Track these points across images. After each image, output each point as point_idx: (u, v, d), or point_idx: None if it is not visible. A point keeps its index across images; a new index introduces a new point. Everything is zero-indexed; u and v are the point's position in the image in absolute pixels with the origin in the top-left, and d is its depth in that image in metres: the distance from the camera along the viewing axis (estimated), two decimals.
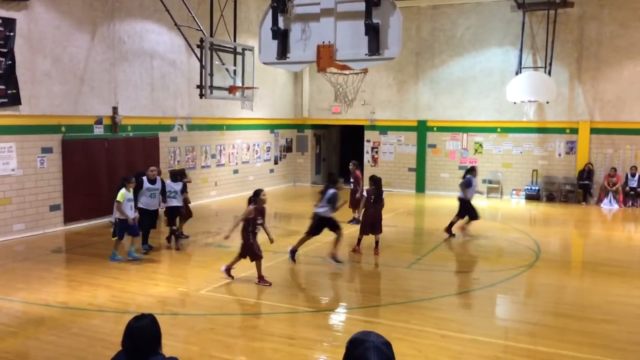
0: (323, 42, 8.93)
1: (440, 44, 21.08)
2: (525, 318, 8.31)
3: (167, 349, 3.65)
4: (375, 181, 11.72)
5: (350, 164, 15.15)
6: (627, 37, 18.60)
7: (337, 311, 8.52)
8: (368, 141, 22.61)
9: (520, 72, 18.94)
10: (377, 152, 22.47)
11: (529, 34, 19.45)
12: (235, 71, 15.19)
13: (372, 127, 22.42)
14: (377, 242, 11.69)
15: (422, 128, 21.57)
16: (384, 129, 22.25)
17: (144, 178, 11.38)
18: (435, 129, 21.44)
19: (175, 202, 11.97)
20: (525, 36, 19.36)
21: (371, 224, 11.57)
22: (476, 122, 20.75)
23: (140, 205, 11.34)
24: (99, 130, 14.65)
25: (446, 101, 21.19)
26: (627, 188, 18.64)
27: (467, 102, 20.86)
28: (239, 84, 15.10)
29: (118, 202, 10.66)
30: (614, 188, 18.69)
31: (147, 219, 11.49)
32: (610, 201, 18.58)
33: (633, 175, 18.60)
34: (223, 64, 14.90)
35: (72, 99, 13.94)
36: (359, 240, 11.71)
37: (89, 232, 13.66)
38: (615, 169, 18.83)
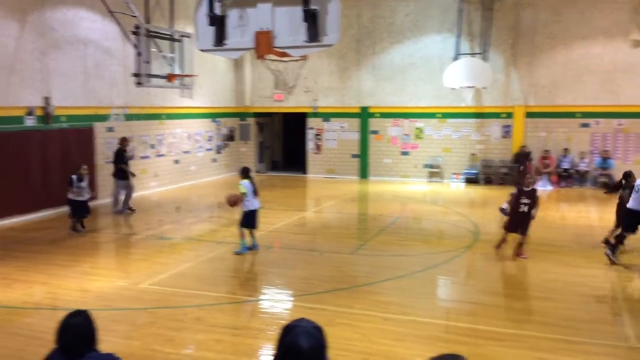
0: (261, 29, 8.83)
1: (381, 31, 21.22)
2: (465, 298, 8.53)
3: (107, 345, 3.55)
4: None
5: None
6: (561, 24, 19.23)
7: (282, 299, 8.51)
8: (311, 128, 22.61)
9: (458, 59, 19.32)
10: (320, 139, 22.51)
11: (466, 20, 19.84)
12: (173, 58, 14.84)
13: (315, 115, 22.41)
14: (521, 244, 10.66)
15: (364, 114, 21.73)
16: (327, 116, 22.29)
17: None
18: (377, 115, 21.64)
19: None
20: (462, 23, 19.74)
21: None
22: (417, 108, 21.07)
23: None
24: (30, 122, 14.05)
25: (387, 88, 21.39)
26: (560, 169, 19.39)
27: (408, 89, 21.13)
28: (177, 71, 14.76)
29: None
30: (547, 170, 19.40)
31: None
32: (544, 183, 19.27)
33: (565, 157, 19.36)
34: (160, 52, 14.53)
35: (2, 89, 13.30)
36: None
37: (23, 227, 13.13)
38: (548, 152, 19.53)
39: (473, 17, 19.87)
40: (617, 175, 18.90)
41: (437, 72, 20.05)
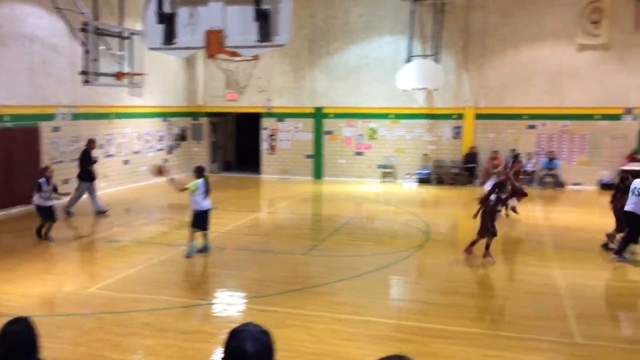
0: (212, 28, 8.72)
1: (334, 31, 21.27)
2: (416, 297, 8.64)
3: (52, 352, 3.43)
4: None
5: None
6: (511, 26, 19.69)
7: (234, 302, 8.42)
8: (265, 129, 22.48)
9: (410, 60, 19.55)
10: (274, 140, 22.41)
11: (418, 22, 20.10)
12: (122, 56, 14.51)
13: (269, 115, 22.30)
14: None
15: (318, 115, 21.75)
16: (281, 116, 22.20)
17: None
18: (331, 115, 21.69)
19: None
20: (414, 25, 19.98)
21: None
22: (370, 108, 21.22)
23: None
24: None
25: (341, 88, 21.47)
26: (508, 170, 19.82)
27: (362, 89, 21.25)
28: (126, 69, 14.44)
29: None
30: (496, 170, 19.80)
31: None
32: (492, 182, 19.63)
33: (515, 157, 19.81)
34: (109, 49, 14.18)
35: None
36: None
37: None
38: (496, 152, 19.98)
39: (425, 19, 20.15)
40: (563, 175, 19.61)
41: (390, 74, 20.21)
